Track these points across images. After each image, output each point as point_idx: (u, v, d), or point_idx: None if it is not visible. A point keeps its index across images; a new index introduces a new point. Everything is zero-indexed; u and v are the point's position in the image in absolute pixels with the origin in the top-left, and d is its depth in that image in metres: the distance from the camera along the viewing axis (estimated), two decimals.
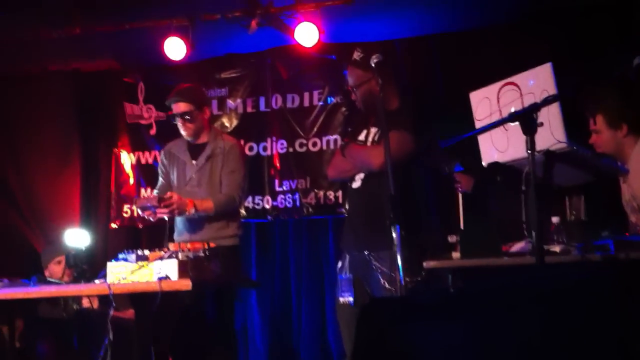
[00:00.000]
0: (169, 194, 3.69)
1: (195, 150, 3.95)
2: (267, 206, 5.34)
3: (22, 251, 5.37)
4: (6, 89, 5.59)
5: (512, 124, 2.75)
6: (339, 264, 3.30)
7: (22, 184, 5.63)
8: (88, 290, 3.35)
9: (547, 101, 2.63)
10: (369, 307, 1.18)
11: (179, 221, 3.94)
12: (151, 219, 3.81)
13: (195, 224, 3.86)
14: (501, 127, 2.97)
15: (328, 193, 5.21)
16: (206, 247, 3.33)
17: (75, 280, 3.52)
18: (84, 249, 3.72)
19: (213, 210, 3.77)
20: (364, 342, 1.10)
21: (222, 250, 3.57)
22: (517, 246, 2.94)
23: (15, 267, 4.55)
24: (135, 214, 5.50)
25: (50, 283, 3.63)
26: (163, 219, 3.89)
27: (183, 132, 3.93)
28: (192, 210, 3.69)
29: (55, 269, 4.43)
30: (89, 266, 3.58)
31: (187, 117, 3.86)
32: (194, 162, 3.92)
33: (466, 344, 1.11)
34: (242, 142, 5.40)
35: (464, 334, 1.11)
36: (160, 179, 4.09)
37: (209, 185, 3.88)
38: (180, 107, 3.88)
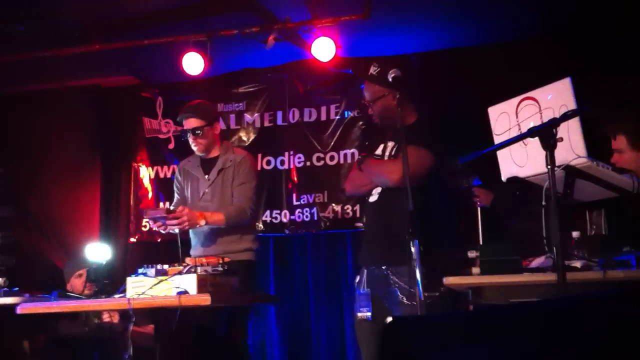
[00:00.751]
0: (180, 207, 3.70)
1: (207, 165, 3.97)
2: (285, 220, 5.35)
3: (42, 266, 5.41)
4: (26, 105, 5.67)
5: (531, 139, 2.73)
6: (357, 279, 3.29)
7: (42, 199, 5.69)
8: (108, 305, 3.37)
9: (566, 116, 2.62)
10: (392, 328, 1.17)
11: (192, 235, 3.95)
12: (162, 231, 3.79)
13: (208, 238, 3.87)
14: (520, 142, 2.96)
15: (345, 207, 5.21)
16: (221, 261, 3.33)
17: (96, 294, 3.54)
18: (104, 263, 3.74)
19: (224, 222, 3.76)
20: None
21: (236, 265, 3.56)
22: (537, 262, 2.92)
23: (36, 282, 4.58)
24: (154, 229, 5.52)
25: (70, 298, 3.65)
26: (176, 235, 3.89)
27: (194, 148, 3.96)
28: (203, 223, 3.69)
29: (76, 282, 4.45)
30: (109, 280, 3.59)
31: (198, 132, 3.89)
32: (206, 177, 3.94)
33: None
34: (259, 156, 5.44)
35: (495, 357, 1.10)
36: (176, 195, 4.11)
37: (221, 199, 3.89)
38: (191, 123, 3.91)
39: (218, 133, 4.03)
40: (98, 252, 4.70)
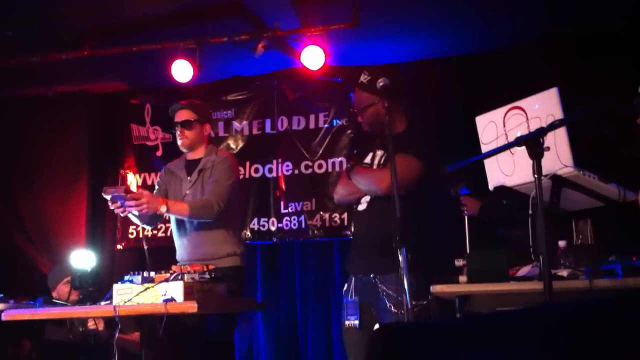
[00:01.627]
0: (140, 190, 3.64)
1: (190, 166, 3.93)
2: (273, 228, 5.35)
3: (28, 273, 5.38)
4: (15, 110, 5.65)
5: (518, 148, 2.75)
6: (345, 287, 3.29)
7: (29, 204, 5.66)
8: (94, 312, 3.34)
9: (553, 125, 2.63)
10: (381, 335, 1.17)
11: (176, 239, 3.91)
12: (120, 214, 3.65)
13: (191, 242, 3.81)
14: (507, 151, 2.97)
15: (334, 215, 5.22)
16: (206, 269, 3.31)
17: (82, 301, 3.51)
18: (89, 270, 3.72)
19: (187, 212, 3.66)
20: None
21: (223, 271, 3.53)
22: (524, 270, 2.93)
23: (22, 288, 4.55)
24: (140, 235, 5.51)
25: (56, 305, 3.62)
26: (165, 241, 3.86)
27: (179, 142, 3.88)
28: (164, 209, 3.56)
29: (64, 289, 4.42)
30: (95, 287, 3.57)
31: (187, 126, 3.85)
32: (188, 178, 3.89)
33: None
34: (247, 163, 5.43)
35: None
36: (155, 192, 4.00)
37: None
38: (182, 114, 3.87)
39: (207, 134, 3.98)
40: (83, 259, 4.67)
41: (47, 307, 3.47)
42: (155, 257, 5.33)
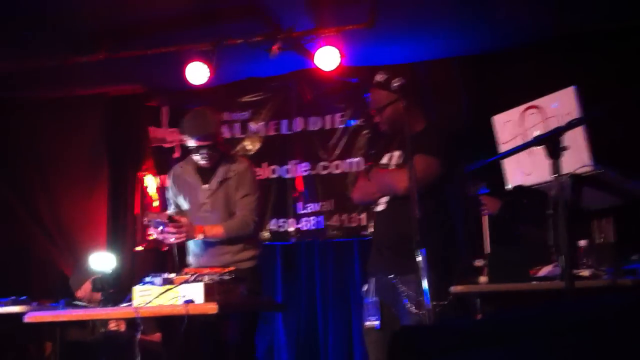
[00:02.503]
0: (181, 218, 3.64)
1: (205, 173, 3.83)
2: (291, 229, 5.36)
3: (51, 275, 5.43)
4: (34, 114, 5.69)
5: (537, 147, 2.74)
6: (365, 287, 3.29)
7: (50, 207, 5.70)
8: (116, 313, 3.37)
9: (571, 125, 2.62)
10: (400, 337, 1.17)
11: (193, 245, 3.85)
12: (159, 238, 3.70)
13: (211, 249, 3.79)
14: (526, 150, 2.97)
15: (352, 215, 5.22)
16: (224, 271, 3.31)
17: (103, 303, 3.53)
18: (110, 272, 3.74)
19: (224, 236, 3.69)
20: None
21: (240, 273, 3.53)
22: (545, 270, 2.92)
23: (45, 290, 4.59)
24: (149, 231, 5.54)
25: (78, 306, 3.65)
26: (182, 242, 3.86)
27: (203, 162, 3.78)
28: (201, 237, 3.64)
29: (89, 287, 4.44)
30: (115, 289, 3.59)
31: (212, 149, 3.74)
32: (205, 186, 3.80)
33: None
34: (265, 164, 5.45)
35: None
36: (171, 208, 3.96)
37: (224, 211, 3.78)
38: (204, 140, 3.72)
39: (223, 141, 3.95)
40: (103, 261, 4.70)
41: (70, 309, 3.49)
42: (173, 259, 5.39)
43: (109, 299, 3.46)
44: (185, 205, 3.91)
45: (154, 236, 3.72)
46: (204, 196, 3.81)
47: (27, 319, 3.28)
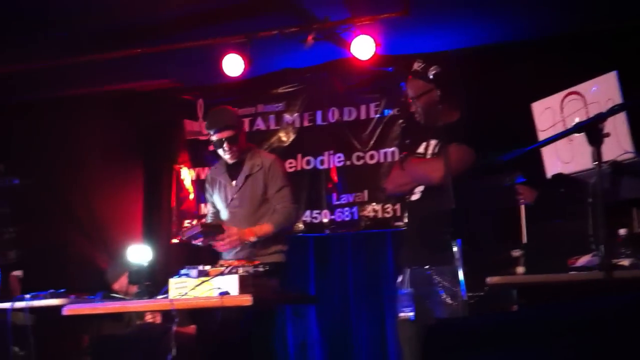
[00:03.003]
0: (228, 228, 3.73)
1: (233, 170, 3.98)
2: (325, 220, 5.34)
3: (87, 269, 5.50)
4: (69, 110, 5.75)
5: (577, 134, 2.67)
6: (399, 279, 3.25)
7: (86, 203, 5.78)
8: (152, 306, 3.40)
9: (613, 111, 2.55)
10: (434, 330, 1.14)
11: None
12: (201, 245, 3.85)
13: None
14: (565, 138, 2.90)
15: (386, 206, 5.18)
16: (251, 264, 3.33)
17: (139, 295, 3.57)
18: (146, 265, 3.77)
19: (273, 232, 3.81)
20: None
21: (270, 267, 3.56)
22: (583, 260, 2.85)
23: (81, 284, 4.65)
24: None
25: (115, 299, 3.69)
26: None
27: (228, 156, 3.95)
28: (254, 239, 3.74)
29: (125, 281, 4.50)
30: (151, 282, 3.62)
31: (233, 141, 3.90)
32: (233, 182, 3.95)
33: None
34: (299, 156, 5.44)
35: None
36: (210, 208, 4.16)
37: (250, 205, 3.90)
38: (224, 133, 3.90)
39: (245, 135, 4.07)
40: (139, 254, 4.74)
41: (107, 302, 3.53)
42: (208, 251, 5.43)
43: (144, 292, 3.48)
44: (218, 202, 4.05)
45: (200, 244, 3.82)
46: (233, 192, 3.95)
47: (66, 311, 3.32)
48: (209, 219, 4.14)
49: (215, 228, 3.77)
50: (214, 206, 4.10)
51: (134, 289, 3.83)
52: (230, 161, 3.97)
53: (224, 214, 4.00)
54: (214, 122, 3.94)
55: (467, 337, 1.11)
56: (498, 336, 1.12)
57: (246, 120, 5.57)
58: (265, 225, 3.82)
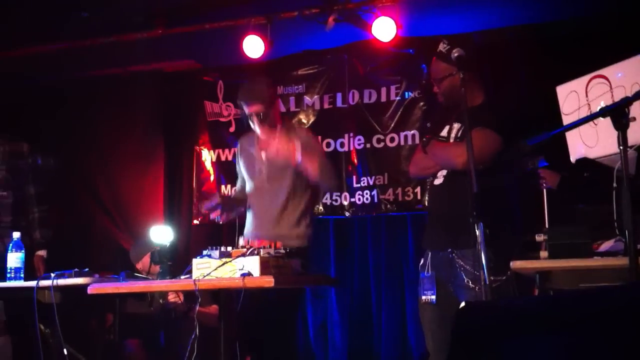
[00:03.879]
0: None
1: (264, 142, 3.85)
2: (345, 202, 5.35)
3: (110, 249, 5.57)
4: (91, 91, 5.79)
5: (602, 118, 2.65)
6: (422, 262, 3.25)
7: (108, 183, 5.84)
8: (175, 286, 3.43)
9: (639, 95, 2.52)
10: (465, 313, 1.14)
11: (249, 217, 3.89)
12: (218, 219, 3.80)
13: (265, 221, 3.81)
14: (590, 122, 2.87)
15: (406, 189, 5.17)
16: (273, 246, 3.31)
17: (161, 275, 3.60)
18: (168, 245, 3.81)
19: (320, 178, 3.69)
20: (464, 354, 1.07)
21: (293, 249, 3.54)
22: (606, 245, 2.83)
23: (105, 263, 4.72)
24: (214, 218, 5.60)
25: (138, 278, 3.73)
26: (241, 219, 3.92)
27: (259, 130, 3.80)
28: (299, 159, 3.56)
29: (147, 261, 4.55)
30: (173, 262, 3.65)
31: (264, 118, 3.75)
32: (263, 155, 3.82)
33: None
34: (319, 138, 5.42)
35: (566, 349, 1.06)
36: (240, 176, 4.02)
37: (280, 178, 3.78)
38: (253, 107, 3.75)
39: (279, 111, 3.91)
40: (162, 234, 4.79)
41: (131, 281, 3.57)
42: (229, 233, 5.46)
43: (166, 272, 3.52)
44: (246, 173, 3.93)
45: (217, 219, 3.76)
46: (262, 164, 3.83)
47: (90, 290, 3.36)
48: (238, 187, 4.04)
49: (234, 201, 3.69)
50: (243, 178, 3.98)
51: (156, 269, 3.88)
52: (261, 136, 3.83)
53: (251, 186, 3.86)
54: (245, 94, 3.79)
55: (499, 321, 1.11)
56: (529, 321, 1.12)
57: None
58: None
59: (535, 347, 1.08)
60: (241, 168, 3.97)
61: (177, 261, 3.72)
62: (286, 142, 3.64)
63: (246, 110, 3.78)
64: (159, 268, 3.67)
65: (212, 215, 3.68)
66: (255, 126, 3.80)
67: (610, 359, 1.07)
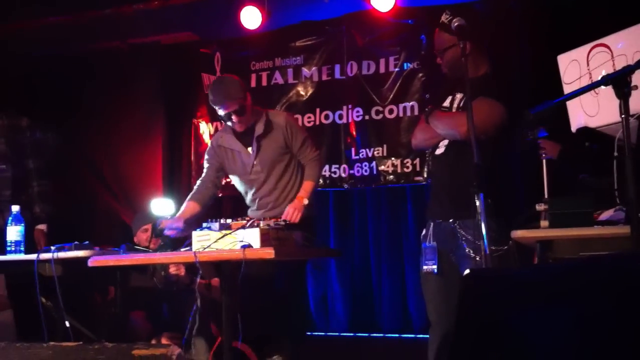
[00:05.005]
0: (289, 210, 3.63)
1: (244, 137, 3.87)
2: (344, 175, 5.34)
3: (110, 222, 5.57)
4: (90, 65, 5.75)
5: (603, 87, 2.63)
6: (423, 232, 3.26)
7: (108, 156, 5.83)
8: (176, 258, 3.43)
9: None
10: (473, 282, 1.14)
11: (250, 198, 3.96)
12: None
13: (266, 200, 3.90)
14: (591, 91, 2.86)
15: (405, 161, 5.17)
16: (279, 220, 3.34)
17: (161, 248, 3.61)
18: (169, 217, 3.81)
19: (315, 186, 3.87)
20: (471, 322, 1.07)
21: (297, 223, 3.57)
22: (606, 214, 2.84)
23: (105, 237, 4.72)
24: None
25: (139, 251, 3.74)
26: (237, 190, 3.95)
27: (237, 126, 3.82)
28: (307, 201, 3.72)
29: (142, 236, 4.57)
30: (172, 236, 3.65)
31: (241, 112, 3.76)
32: (249, 148, 3.86)
33: (582, 330, 1.06)
34: (317, 110, 5.42)
35: (576, 319, 1.06)
36: (205, 171, 3.99)
37: (271, 166, 3.86)
38: (230, 106, 3.75)
39: (251, 102, 3.86)
40: (163, 207, 4.80)
41: (132, 254, 3.57)
42: (229, 206, 5.47)
43: (168, 244, 3.52)
44: (232, 171, 3.97)
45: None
46: (251, 158, 3.87)
47: (91, 262, 3.37)
48: (198, 183, 4.02)
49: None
50: (220, 171, 3.99)
51: (153, 244, 3.89)
52: (239, 130, 3.86)
53: (243, 182, 3.94)
54: (218, 99, 3.77)
55: (506, 290, 1.11)
56: (538, 290, 1.11)
57: (264, 74, 5.54)
58: (307, 183, 3.81)
59: (543, 316, 1.08)
60: (223, 164, 3.96)
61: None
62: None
63: (222, 111, 3.79)
64: (160, 240, 3.68)
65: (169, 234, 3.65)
66: (234, 122, 3.81)
67: (621, 330, 1.07)
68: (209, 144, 4.12)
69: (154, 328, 4.38)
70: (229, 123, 3.84)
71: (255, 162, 3.86)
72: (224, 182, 5.58)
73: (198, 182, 4.03)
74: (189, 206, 3.88)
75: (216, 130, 5.68)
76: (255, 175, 3.89)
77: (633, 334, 1.05)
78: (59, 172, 5.03)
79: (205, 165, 4.03)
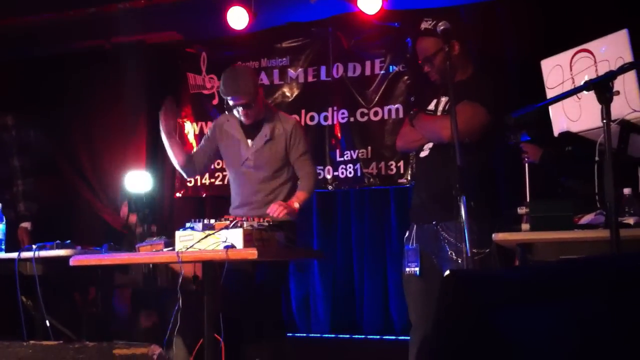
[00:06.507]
0: (274, 205, 3.61)
1: (250, 129, 3.84)
2: (328, 176, 5.35)
3: (92, 222, 5.54)
4: (73, 63, 5.72)
5: (585, 92, 2.66)
6: (406, 234, 3.27)
7: (90, 156, 5.80)
8: (158, 258, 3.42)
9: (623, 69, 2.53)
10: (456, 282, 1.14)
11: (234, 195, 3.93)
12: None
13: (250, 199, 3.86)
14: (573, 96, 2.88)
15: (389, 163, 5.18)
16: (262, 220, 3.33)
17: (140, 221, 3.56)
18: (144, 193, 3.76)
19: (308, 198, 3.83)
20: (456, 323, 1.07)
21: (280, 223, 3.56)
22: (587, 218, 2.86)
23: (88, 237, 4.69)
24: (199, 184, 5.59)
25: (121, 251, 3.71)
26: (223, 190, 3.92)
27: (244, 119, 3.81)
28: (297, 206, 3.69)
29: (124, 210, 4.55)
30: (150, 209, 3.62)
31: (248, 107, 3.75)
32: (249, 141, 3.83)
33: (569, 330, 1.06)
34: (302, 112, 5.42)
35: (567, 319, 1.06)
36: (200, 147, 3.99)
37: (267, 169, 3.83)
38: (240, 100, 3.74)
39: (262, 100, 3.88)
40: (138, 182, 4.72)
41: (113, 253, 3.56)
42: (212, 206, 5.46)
43: (144, 219, 3.48)
44: (226, 157, 3.94)
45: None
46: (248, 152, 3.84)
47: (73, 262, 3.34)
48: (195, 155, 3.99)
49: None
50: (209, 153, 3.96)
51: (132, 218, 3.85)
52: (246, 122, 3.83)
53: (233, 172, 3.91)
54: (229, 89, 3.74)
55: (486, 290, 1.12)
56: (520, 290, 1.12)
57: None
58: (301, 193, 3.79)
59: (526, 317, 1.08)
60: (219, 146, 3.94)
61: (154, 209, 3.68)
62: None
63: (231, 102, 3.76)
64: (137, 217, 3.64)
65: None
66: (240, 116, 3.80)
67: (609, 329, 1.08)
68: (214, 122, 4.06)
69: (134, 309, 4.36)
70: (235, 112, 3.80)
71: (249, 157, 3.83)
72: (207, 182, 5.59)
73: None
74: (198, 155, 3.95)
75: (201, 130, 5.67)
76: (246, 169, 3.86)
77: (621, 333, 1.06)
78: (44, 171, 5.00)
79: (204, 138, 4.02)
